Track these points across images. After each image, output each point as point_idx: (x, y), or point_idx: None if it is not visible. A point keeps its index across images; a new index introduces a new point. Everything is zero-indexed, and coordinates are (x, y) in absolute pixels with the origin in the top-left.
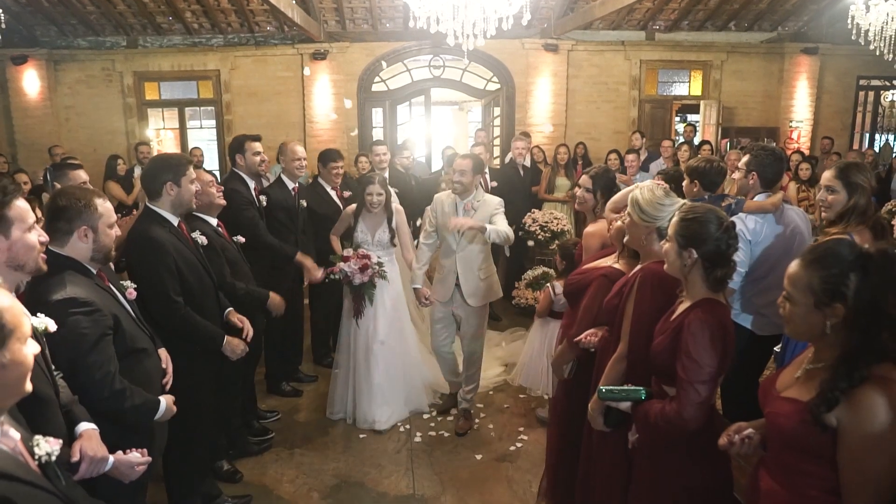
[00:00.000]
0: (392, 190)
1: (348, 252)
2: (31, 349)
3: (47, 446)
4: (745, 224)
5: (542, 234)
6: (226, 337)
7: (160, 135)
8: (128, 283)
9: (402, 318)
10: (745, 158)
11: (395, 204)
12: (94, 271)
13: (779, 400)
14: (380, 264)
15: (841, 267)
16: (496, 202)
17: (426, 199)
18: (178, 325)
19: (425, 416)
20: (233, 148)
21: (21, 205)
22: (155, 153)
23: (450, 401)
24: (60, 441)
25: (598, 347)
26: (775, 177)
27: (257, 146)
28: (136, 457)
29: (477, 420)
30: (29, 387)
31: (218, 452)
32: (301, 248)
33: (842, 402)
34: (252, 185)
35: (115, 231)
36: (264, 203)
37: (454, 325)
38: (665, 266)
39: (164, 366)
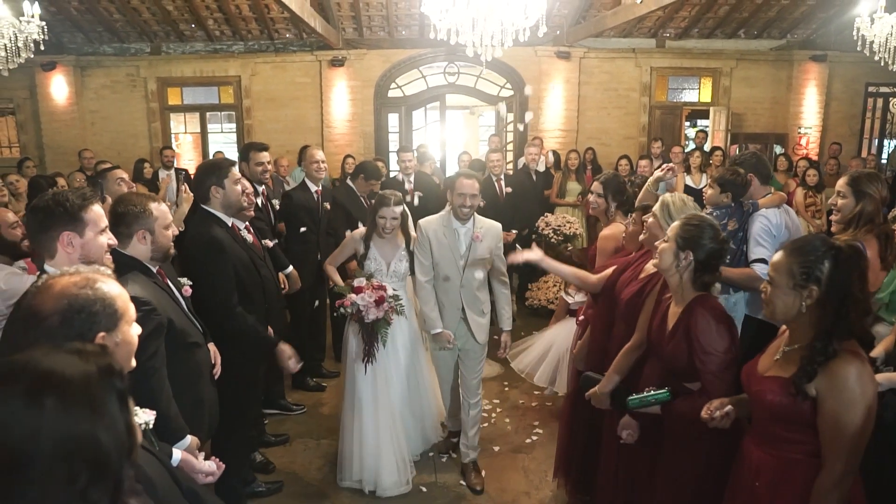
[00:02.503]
0: (417, 194)
1: (360, 281)
2: (135, 330)
3: (145, 416)
4: (769, 220)
5: (554, 237)
6: (280, 343)
7: (179, 139)
8: (184, 280)
9: (420, 359)
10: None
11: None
12: (154, 269)
13: (763, 379)
14: (395, 297)
15: (816, 254)
16: (498, 229)
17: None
18: (234, 325)
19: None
20: (240, 155)
21: (97, 209)
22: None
23: (447, 441)
24: (154, 412)
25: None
26: (768, 171)
27: (260, 156)
28: (210, 467)
29: (493, 415)
30: (133, 363)
31: (251, 443)
32: (322, 250)
33: (819, 374)
34: (259, 188)
35: (172, 231)
36: (277, 206)
37: (456, 356)
38: (655, 261)
39: (212, 360)
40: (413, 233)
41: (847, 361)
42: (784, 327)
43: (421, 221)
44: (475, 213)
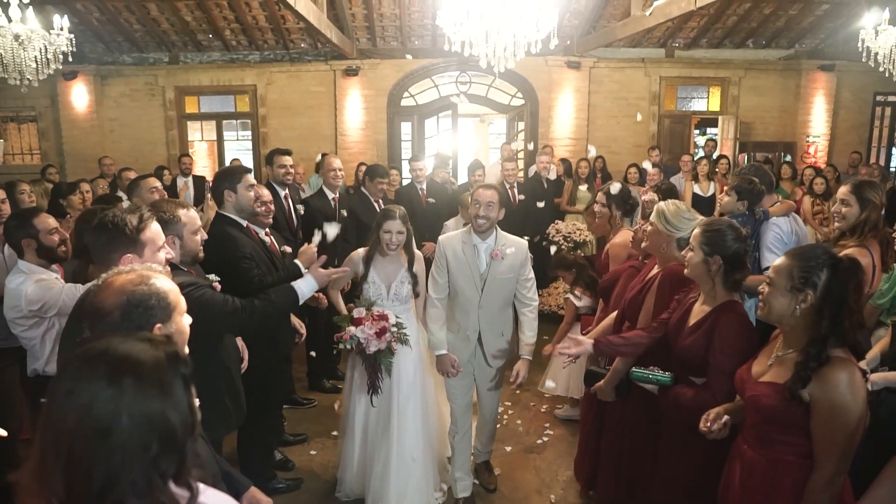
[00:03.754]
0: (430, 200)
1: (359, 312)
2: (187, 321)
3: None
4: (780, 228)
5: (565, 243)
6: (294, 288)
7: (194, 146)
8: (213, 276)
9: (427, 387)
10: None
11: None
12: (185, 270)
13: (759, 385)
14: (399, 325)
15: (817, 261)
16: (525, 248)
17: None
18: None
19: None
20: (266, 159)
21: (154, 228)
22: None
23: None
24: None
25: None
26: (772, 179)
27: (283, 160)
28: None
29: (506, 416)
30: (186, 349)
31: (272, 439)
32: (340, 254)
33: (813, 380)
34: (282, 193)
35: (201, 235)
36: (301, 211)
37: (473, 383)
38: (687, 272)
39: (241, 356)
40: (417, 251)
41: (839, 368)
42: (775, 332)
43: (441, 237)
44: (498, 230)
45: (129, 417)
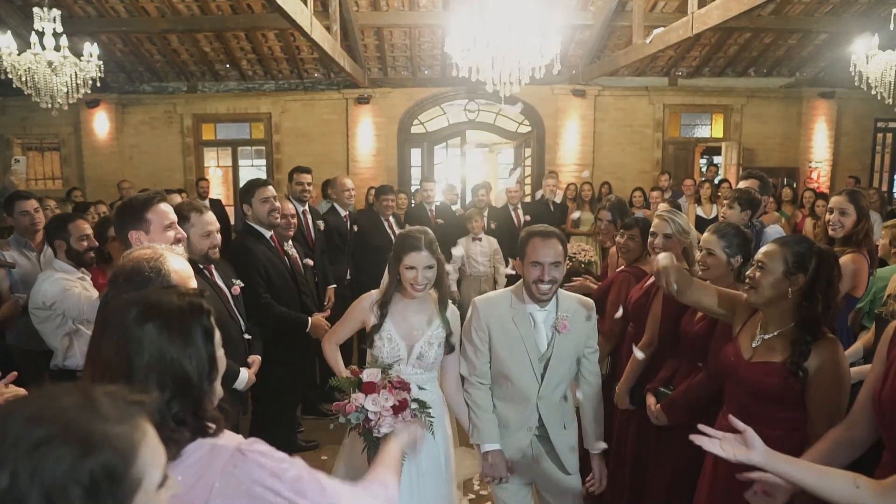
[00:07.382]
0: (440, 221)
1: (373, 374)
2: None
3: None
4: (782, 234)
5: (570, 263)
6: (310, 319)
7: (208, 172)
8: (237, 281)
9: (452, 482)
10: (738, 194)
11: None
12: (202, 268)
13: (753, 365)
14: (422, 404)
15: (807, 248)
16: (592, 308)
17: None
18: (265, 316)
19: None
20: (288, 177)
21: (162, 208)
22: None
23: None
24: None
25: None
26: (769, 183)
27: (301, 177)
28: None
29: None
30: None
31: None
32: (353, 269)
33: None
34: (301, 208)
35: (213, 239)
36: (321, 227)
37: (530, 495)
38: (704, 272)
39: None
40: (455, 288)
41: (830, 342)
42: (752, 316)
43: (479, 301)
44: (559, 290)
45: (148, 356)
